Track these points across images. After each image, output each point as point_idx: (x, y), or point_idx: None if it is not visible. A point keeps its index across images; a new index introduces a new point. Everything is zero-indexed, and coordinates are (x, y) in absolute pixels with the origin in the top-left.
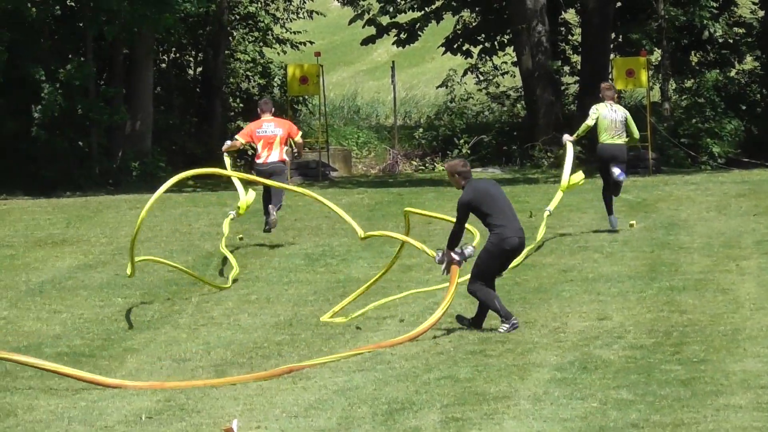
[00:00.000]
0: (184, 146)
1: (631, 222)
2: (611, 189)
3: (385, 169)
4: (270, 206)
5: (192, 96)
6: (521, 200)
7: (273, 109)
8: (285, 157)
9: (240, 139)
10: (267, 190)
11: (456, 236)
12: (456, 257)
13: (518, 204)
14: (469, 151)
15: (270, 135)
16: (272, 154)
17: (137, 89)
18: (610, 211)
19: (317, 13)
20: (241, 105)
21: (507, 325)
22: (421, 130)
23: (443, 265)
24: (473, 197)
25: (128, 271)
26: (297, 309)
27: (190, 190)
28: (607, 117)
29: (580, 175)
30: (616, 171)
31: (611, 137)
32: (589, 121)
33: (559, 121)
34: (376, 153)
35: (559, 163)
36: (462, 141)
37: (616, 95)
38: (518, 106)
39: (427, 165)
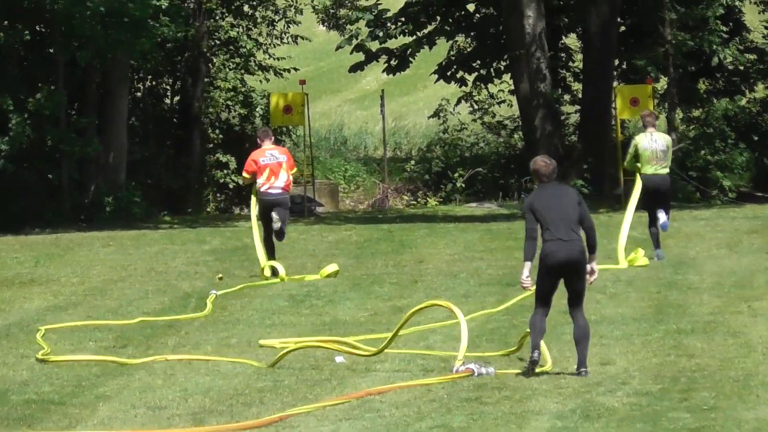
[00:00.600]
0: (160, 180)
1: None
2: (655, 224)
3: (374, 204)
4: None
5: (169, 126)
6: (520, 237)
7: (273, 137)
8: (290, 186)
9: (245, 175)
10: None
11: (526, 246)
12: (474, 368)
13: (516, 241)
14: (463, 185)
15: (275, 162)
16: (279, 179)
17: (111, 119)
18: (656, 245)
19: (302, 38)
20: (220, 136)
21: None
22: (412, 162)
23: (523, 276)
24: (531, 201)
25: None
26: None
27: (167, 226)
28: (648, 148)
29: (643, 258)
30: (662, 218)
31: (654, 168)
32: (628, 157)
33: (559, 153)
34: (365, 187)
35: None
36: (456, 174)
37: (656, 122)
38: (515, 136)
39: (419, 200)
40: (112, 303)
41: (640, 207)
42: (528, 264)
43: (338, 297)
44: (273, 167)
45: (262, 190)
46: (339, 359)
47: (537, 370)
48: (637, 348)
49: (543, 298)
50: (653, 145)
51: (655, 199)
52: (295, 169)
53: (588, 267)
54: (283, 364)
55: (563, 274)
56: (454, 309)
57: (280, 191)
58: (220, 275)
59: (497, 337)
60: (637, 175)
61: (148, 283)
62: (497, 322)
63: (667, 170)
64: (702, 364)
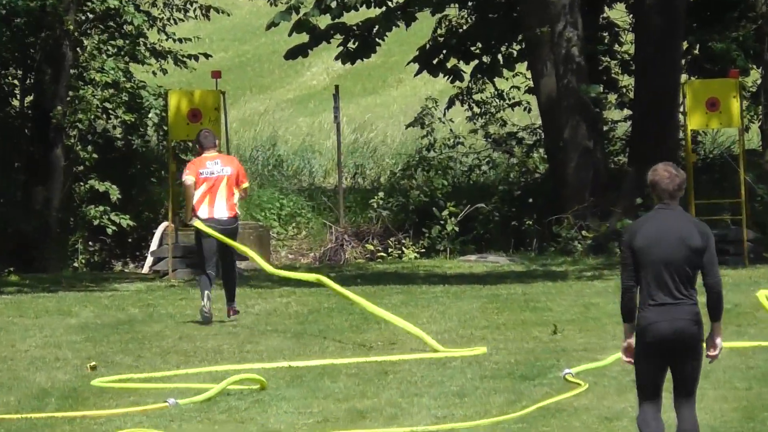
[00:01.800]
0: (5, 220)
1: None
2: None
3: (323, 256)
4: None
5: (17, 140)
6: (540, 306)
7: (217, 142)
8: (236, 209)
9: (191, 176)
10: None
11: (623, 303)
12: None
13: (535, 313)
14: (457, 228)
15: (215, 176)
16: (217, 206)
17: None
18: None
19: (218, 11)
20: (94, 155)
21: None
22: (380, 194)
23: (623, 345)
24: (626, 238)
25: None
26: None
27: (14, 289)
28: None
29: None
30: None
31: None
32: None
33: (600, 180)
34: (310, 231)
35: (604, 248)
36: (446, 212)
37: None
38: (535, 156)
39: (390, 250)
40: None
41: None
42: (629, 325)
43: (270, 396)
44: (210, 183)
45: (197, 215)
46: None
47: None
48: None
49: (648, 389)
50: None
51: None
52: (246, 184)
53: (709, 341)
54: None
55: (669, 353)
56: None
57: (223, 218)
58: (93, 363)
59: None
60: None
61: None
62: None
63: None
64: None
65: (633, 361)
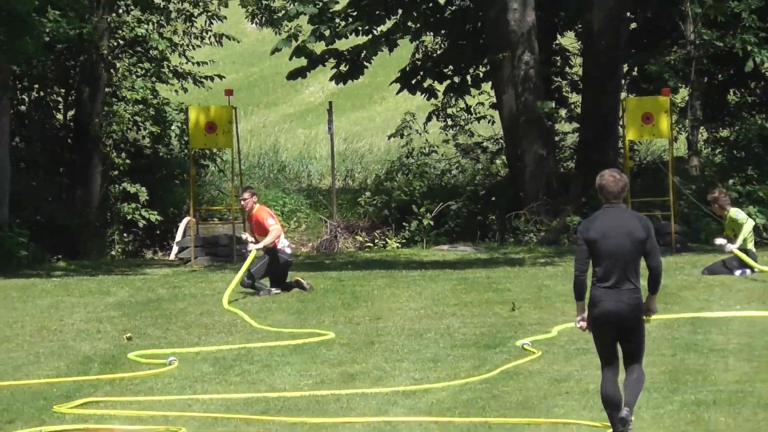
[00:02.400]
0: (52, 216)
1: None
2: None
3: (320, 246)
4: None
5: (62, 149)
6: (501, 287)
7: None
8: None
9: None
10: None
11: (576, 284)
12: None
13: (497, 293)
14: (431, 222)
15: None
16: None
17: None
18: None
19: (229, 38)
20: (127, 161)
21: None
22: (367, 194)
23: (577, 318)
24: (581, 232)
25: None
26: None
27: (61, 274)
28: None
29: None
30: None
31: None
32: (749, 223)
33: (552, 183)
34: (308, 225)
35: (555, 240)
36: (423, 209)
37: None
38: (498, 162)
39: (376, 241)
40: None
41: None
42: (580, 303)
43: (275, 361)
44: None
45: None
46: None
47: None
48: (647, 424)
49: (603, 355)
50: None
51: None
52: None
53: (647, 307)
54: None
55: (613, 328)
56: None
57: None
58: (129, 335)
59: (473, 410)
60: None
61: (39, 344)
62: (473, 392)
63: None
64: None
65: (585, 327)
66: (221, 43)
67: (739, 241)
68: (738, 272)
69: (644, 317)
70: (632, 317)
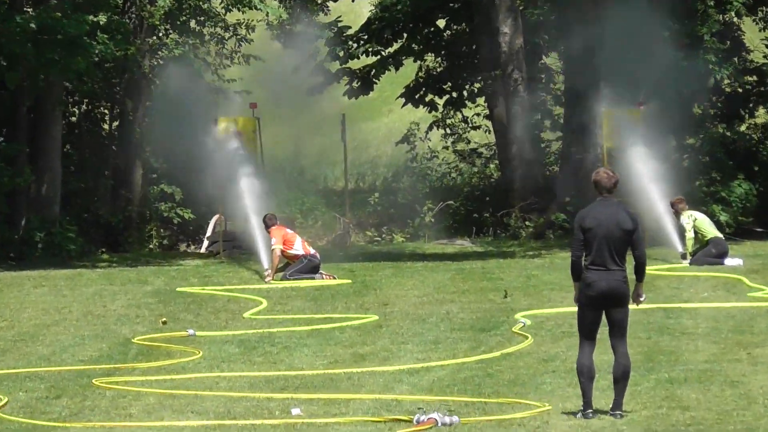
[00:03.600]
0: (98, 214)
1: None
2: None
3: (334, 240)
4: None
5: (107, 155)
6: (494, 277)
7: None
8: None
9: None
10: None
11: (574, 267)
12: (437, 418)
13: (491, 282)
14: (432, 220)
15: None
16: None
17: (43, 147)
18: None
19: (256, 58)
20: (164, 165)
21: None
22: (376, 194)
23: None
24: (578, 221)
25: None
26: (230, 406)
27: (105, 265)
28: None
29: None
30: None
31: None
32: (689, 234)
33: (539, 184)
34: (324, 222)
35: (542, 235)
36: (425, 208)
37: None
38: (491, 166)
39: (383, 236)
40: (44, 350)
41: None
42: (577, 284)
43: (294, 343)
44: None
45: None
46: (295, 411)
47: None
48: (626, 399)
49: (586, 329)
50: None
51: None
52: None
53: (635, 294)
54: (235, 417)
55: (604, 305)
56: None
57: None
58: (164, 319)
59: (470, 387)
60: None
61: (84, 327)
62: (470, 370)
63: None
64: (697, 417)
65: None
66: (248, 62)
67: (689, 249)
68: (727, 261)
69: (634, 302)
70: (621, 291)
